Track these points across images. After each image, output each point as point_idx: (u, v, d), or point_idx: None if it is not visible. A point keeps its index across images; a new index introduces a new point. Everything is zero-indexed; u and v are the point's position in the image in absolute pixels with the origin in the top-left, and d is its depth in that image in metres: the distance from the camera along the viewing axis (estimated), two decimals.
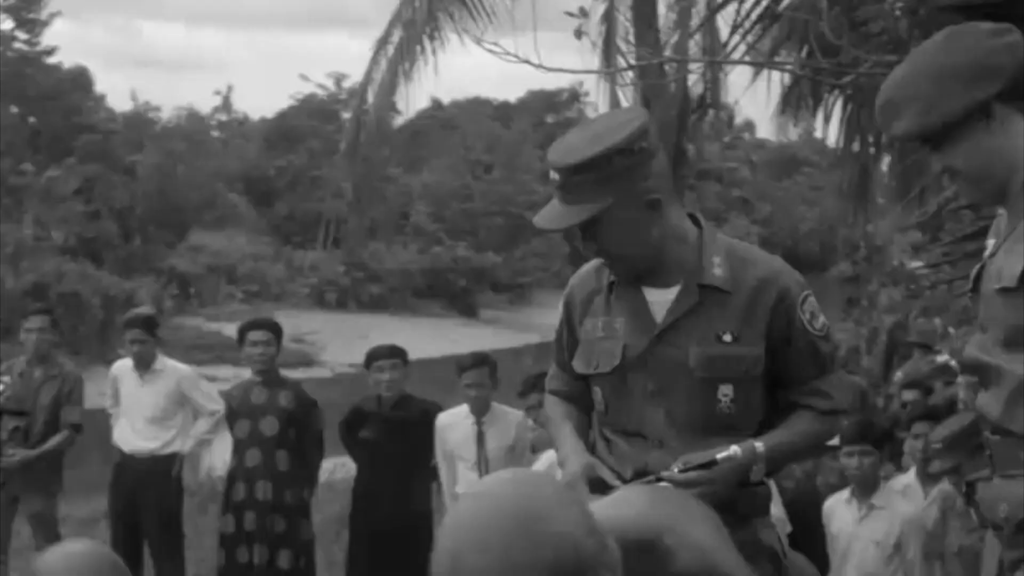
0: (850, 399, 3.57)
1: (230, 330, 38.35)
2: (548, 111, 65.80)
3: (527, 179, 54.86)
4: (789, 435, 3.44)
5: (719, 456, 3.31)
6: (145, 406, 8.20)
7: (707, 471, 3.30)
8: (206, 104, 74.02)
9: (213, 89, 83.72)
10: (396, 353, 7.63)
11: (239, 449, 7.72)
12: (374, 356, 7.67)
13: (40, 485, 8.24)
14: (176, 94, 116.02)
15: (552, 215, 3.46)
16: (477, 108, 66.52)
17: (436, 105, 60.94)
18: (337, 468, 13.59)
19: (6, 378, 8.12)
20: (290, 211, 54.49)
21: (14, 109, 51.61)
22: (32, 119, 52.80)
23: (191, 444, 8.35)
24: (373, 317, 46.59)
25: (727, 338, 3.41)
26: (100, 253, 43.27)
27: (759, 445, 3.36)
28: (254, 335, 7.77)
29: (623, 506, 2.47)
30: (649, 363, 3.46)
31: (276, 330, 7.90)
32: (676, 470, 3.32)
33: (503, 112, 67.01)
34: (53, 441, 8.19)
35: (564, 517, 1.93)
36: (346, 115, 53.48)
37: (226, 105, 67.32)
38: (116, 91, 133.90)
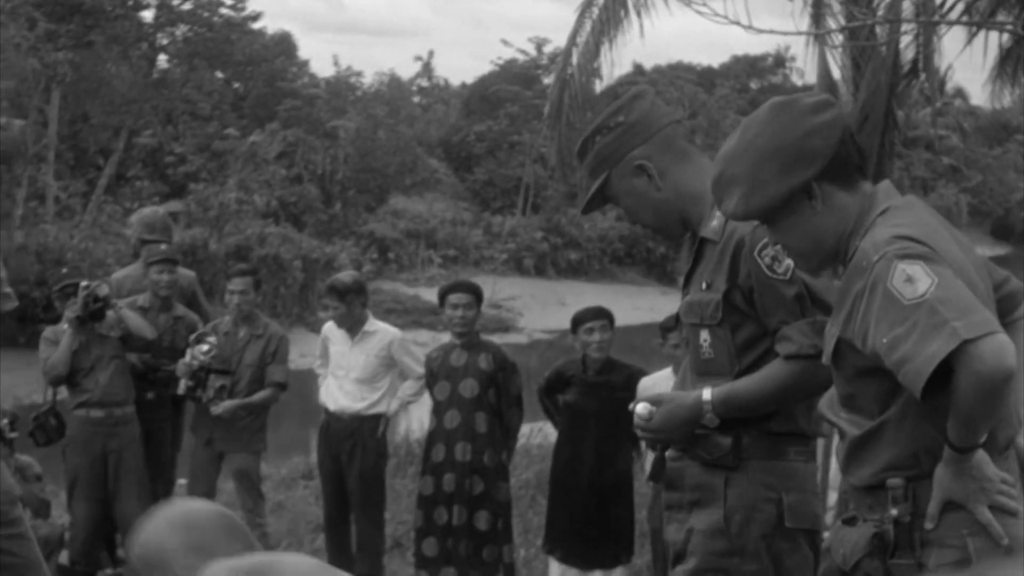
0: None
1: (428, 295, 38.96)
2: (752, 76, 64.96)
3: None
4: (748, 382, 3.60)
5: (665, 397, 3.75)
6: (354, 367, 8.22)
7: (651, 411, 3.70)
8: (407, 69, 74.76)
9: (414, 54, 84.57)
10: (604, 315, 7.51)
11: (439, 411, 7.69)
12: (582, 319, 7.57)
13: (245, 443, 8.32)
14: (378, 59, 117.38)
15: (581, 201, 4.04)
16: (679, 73, 65.90)
17: (638, 70, 60.54)
18: (534, 433, 13.56)
19: (212, 338, 8.19)
20: (489, 176, 54.67)
21: (219, 74, 52.71)
22: (237, 84, 53.83)
23: (396, 406, 8.36)
24: (571, 283, 46.62)
25: (703, 284, 3.71)
26: (301, 217, 43.96)
27: (707, 392, 3.62)
28: (455, 298, 7.71)
29: None
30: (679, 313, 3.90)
31: (477, 293, 7.82)
32: (634, 408, 3.76)
33: (706, 77, 66.34)
34: (259, 396, 8.25)
35: None
36: (547, 80, 53.62)
37: (427, 70, 67.92)
38: (319, 57, 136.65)
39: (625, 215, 4.15)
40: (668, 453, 3.83)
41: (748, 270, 3.58)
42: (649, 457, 6.61)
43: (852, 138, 3.16)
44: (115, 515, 7.84)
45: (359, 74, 59.16)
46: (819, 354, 3.34)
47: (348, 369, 8.23)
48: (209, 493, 8.40)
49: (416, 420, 13.48)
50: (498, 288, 38.46)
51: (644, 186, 3.78)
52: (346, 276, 8.50)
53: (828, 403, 3.29)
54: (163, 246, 8.41)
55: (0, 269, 4.55)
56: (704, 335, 3.71)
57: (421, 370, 8.14)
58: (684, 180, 3.77)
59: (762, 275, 3.56)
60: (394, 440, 10.54)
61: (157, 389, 8.25)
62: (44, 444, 7.86)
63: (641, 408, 3.76)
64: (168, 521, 2.80)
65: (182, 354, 8.20)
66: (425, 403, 8.40)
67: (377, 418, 8.20)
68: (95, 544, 7.94)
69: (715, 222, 3.66)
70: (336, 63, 58.76)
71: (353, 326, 8.24)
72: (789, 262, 3.50)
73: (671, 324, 6.99)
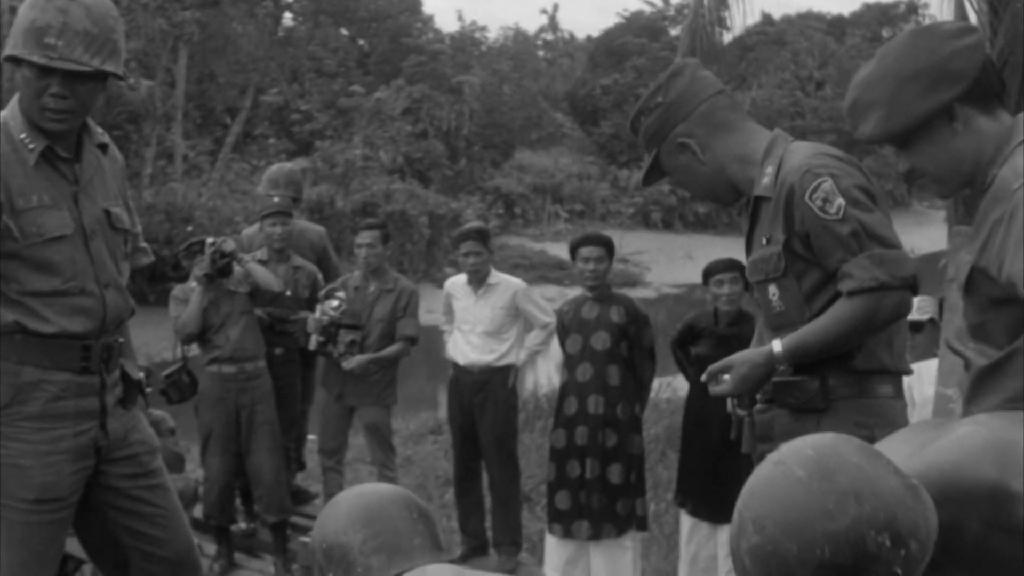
0: (884, 273, 3.55)
1: (554, 250, 38.89)
2: (883, 24, 63.82)
3: None
4: (815, 326, 3.66)
5: (736, 360, 3.81)
6: (480, 320, 8.20)
7: (726, 366, 3.82)
8: (532, 23, 74.82)
9: (539, 8, 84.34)
10: (735, 266, 7.35)
11: (570, 364, 7.60)
12: (712, 270, 7.43)
13: (375, 397, 8.31)
14: (502, 14, 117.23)
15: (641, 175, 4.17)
16: (809, 22, 65.02)
17: (767, 20, 59.84)
18: (663, 387, 13.45)
19: (341, 293, 8.19)
20: (616, 130, 54.28)
21: (344, 31, 53.00)
22: (362, 41, 54.11)
23: (525, 356, 8.32)
24: (699, 237, 46.31)
25: (764, 241, 3.81)
26: (427, 173, 44.08)
27: (776, 344, 3.72)
28: (586, 251, 7.61)
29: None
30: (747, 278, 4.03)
31: (608, 245, 7.71)
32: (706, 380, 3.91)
33: (836, 26, 65.40)
34: (390, 350, 8.24)
35: None
36: (674, 32, 53.22)
37: (552, 24, 67.78)
38: (443, 12, 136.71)
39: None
40: (756, 407, 3.93)
41: (801, 215, 3.64)
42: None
43: (993, 66, 3.11)
44: (248, 469, 7.87)
45: (484, 29, 59.34)
46: (882, 286, 3.51)
47: (474, 323, 8.21)
48: (340, 447, 8.44)
49: (544, 375, 13.46)
50: (625, 242, 38.23)
51: (689, 161, 3.95)
52: (475, 223, 8.53)
53: (956, 334, 3.34)
54: (275, 199, 8.40)
55: (136, 224, 4.57)
56: (772, 289, 3.80)
57: (546, 319, 8.15)
58: (728, 150, 3.91)
59: (815, 218, 3.61)
60: (522, 395, 10.51)
61: (285, 342, 8.27)
62: (177, 401, 7.92)
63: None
64: (349, 516, 2.84)
65: (305, 304, 8.21)
66: (551, 358, 8.35)
67: (507, 369, 8.17)
68: (228, 498, 8.00)
69: (766, 179, 3.77)
70: (460, 18, 59.09)
71: (475, 278, 8.23)
72: (840, 201, 3.58)
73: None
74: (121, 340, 4.43)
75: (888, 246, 3.58)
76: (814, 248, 3.65)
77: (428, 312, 10.16)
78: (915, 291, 3.66)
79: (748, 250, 3.95)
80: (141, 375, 4.58)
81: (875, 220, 3.61)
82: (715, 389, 3.87)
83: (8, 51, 4.07)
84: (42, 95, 4.09)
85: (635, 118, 4.05)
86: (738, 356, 3.84)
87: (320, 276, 8.44)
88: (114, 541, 4.49)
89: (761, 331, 3.99)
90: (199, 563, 4.75)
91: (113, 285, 4.34)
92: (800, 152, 3.77)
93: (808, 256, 3.67)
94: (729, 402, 4.05)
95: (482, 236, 8.29)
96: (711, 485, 7.21)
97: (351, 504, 2.88)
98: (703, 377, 3.94)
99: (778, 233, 3.72)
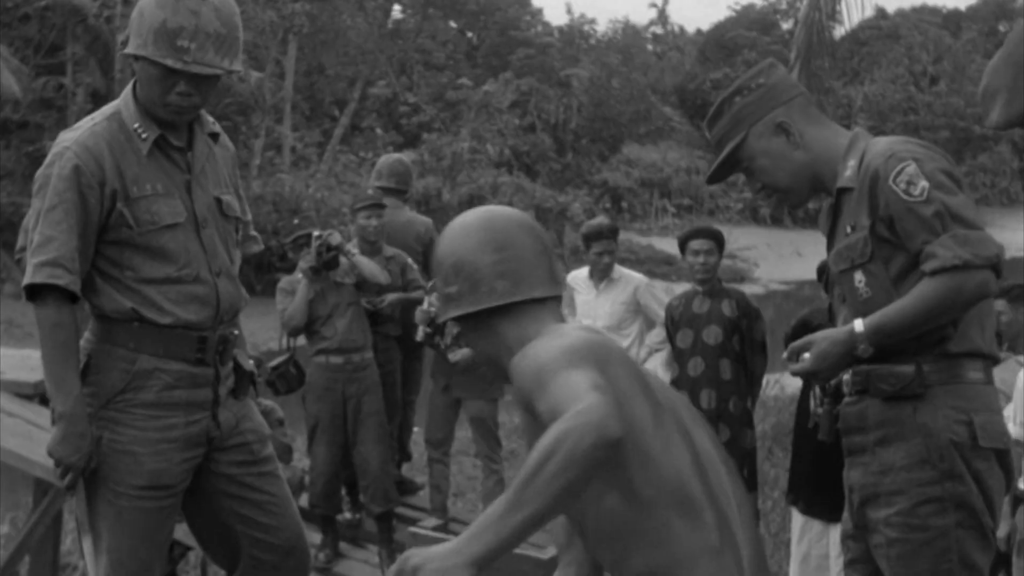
0: (968, 253, 3.51)
1: (662, 244, 38.70)
2: (1000, 19, 62.81)
3: (976, 91, 52.40)
4: (898, 306, 3.61)
5: (816, 337, 3.75)
6: (601, 315, 8.17)
7: (807, 343, 3.76)
8: (642, 16, 74.55)
9: (649, 1, 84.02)
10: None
11: (681, 359, 7.52)
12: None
13: (482, 389, 8.24)
14: (611, 7, 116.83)
15: (710, 170, 4.14)
16: (923, 17, 64.21)
17: (880, 14, 59.15)
18: (770, 384, 13.31)
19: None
20: None
21: (453, 24, 53.19)
22: (470, 34, 54.31)
23: (645, 354, 8.26)
24: (808, 233, 45.68)
25: (848, 230, 3.78)
26: (534, 166, 44.15)
27: (858, 324, 3.67)
28: (696, 244, 7.53)
29: None
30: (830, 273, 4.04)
31: (718, 239, 7.63)
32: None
33: (951, 20, 64.54)
34: None
35: None
36: (785, 26, 52.71)
37: (662, 17, 67.51)
38: (552, 5, 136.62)
39: (749, 186, 4.20)
40: (846, 399, 3.89)
41: (885, 199, 3.62)
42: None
43: None
44: (354, 460, 7.87)
45: (592, 22, 59.42)
46: (965, 265, 3.48)
47: (595, 318, 8.15)
48: (446, 439, 8.41)
49: (652, 371, 13.36)
50: (733, 238, 37.98)
51: (782, 145, 3.91)
52: (605, 220, 8.60)
53: None
54: (370, 191, 8.40)
55: (246, 212, 4.59)
56: (858, 276, 3.77)
57: (662, 312, 8.03)
58: (820, 141, 3.89)
59: (899, 201, 3.59)
60: None
61: (382, 331, 8.23)
62: (285, 392, 7.95)
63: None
64: (481, 238, 2.93)
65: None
66: (659, 355, 8.29)
67: None
68: (335, 488, 8.00)
69: (849, 171, 3.77)
70: (569, 11, 59.04)
71: (600, 274, 8.22)
72: (924, 183, 3.56)
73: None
74: (236, 332, 4.46)
75: (971, 227, 3.54)
76: (898, 231, 3.61)
77: None
78: (998, 273, 3.61)
79: (830, 244, 3.94)
80: (252, 365, 4.60)
81: (959, 202, 3.57)
82: (794, 367, 3.83)
83: (137, 50, 4.09)
84: (168, 93, 4.12)
85: (727, 99, 4.04)
86: (819, 333, 3.80)
87: (411, 262, 8.37)
88: (225, 528, 4.53)
89: (847, 316, 3.88)
90: (308, 550, 4.77)
91: (225, 273, 4.36)
92: (882, 142, 3.77)
93: (893, 240, 3.65)
94: (812, 399, 4.03)
95: (613, 234, 8.35)
96: (824, 483, 7.08)
97: (484, 225, 2.96)
98: (784, 355, 3.90)
99: (863, 219, 3.69)
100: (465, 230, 2.96)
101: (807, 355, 3.75)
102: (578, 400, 2.33)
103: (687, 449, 2.67)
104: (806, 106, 3.97)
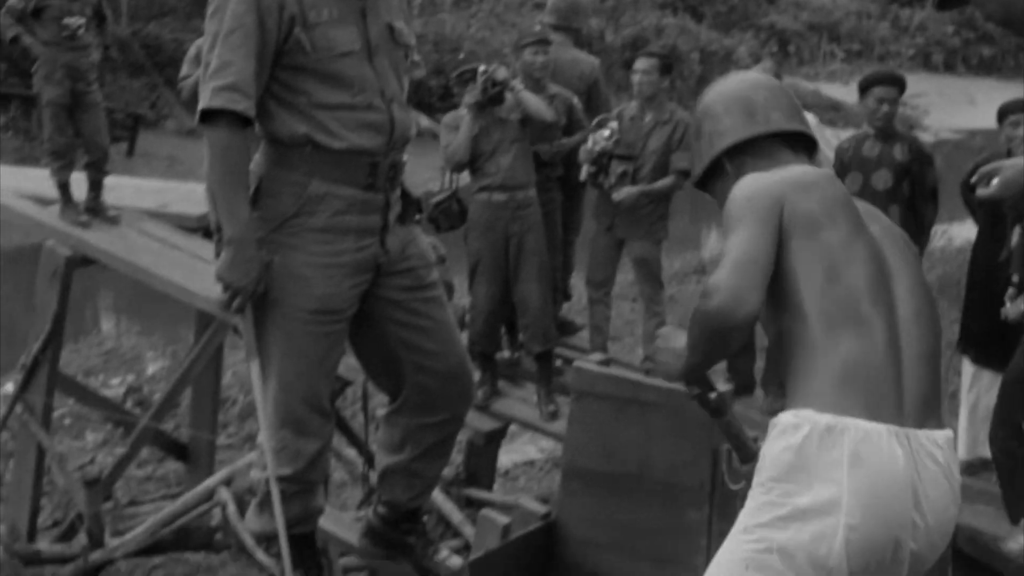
0: None
1: (829, 90, 37.89)
2: None
3: None
4: None
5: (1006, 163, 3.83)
6: None
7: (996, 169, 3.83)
8: None
9: None
10: None
11: None
12: (1008, 110, 7.10)
13: (646, 230, 8.19)
14: None
15: None
16: None
17: None
18: (938, 235, 13.03)
19: (614, 123, 8.04)
20: None
21: None
22: None
23: None
24: (982, 81, 44.44)
25: None
26: (699, 7, 43.31)
27: None
28: (880, 91, 7.34)
29: None
30: None
31: (902, 86, 7.42)
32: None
33: None
34: (662, 182, 8.05)
35: None
36: None
37: None
38: None
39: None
40: None
41: None
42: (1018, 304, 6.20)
43: None
44: (515, 298, 7.86)
45: None
46: None
47: None
48: (608, 279, 8.38)
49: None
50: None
51: None
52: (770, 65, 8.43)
53: None
54: (536, 27, 8.29)
55: (411, 36, 4.55)
56: None
57: (831, 154, 7.82)
58: None
59: None
60: None
61: (544, 170, 8.17)
62: (447, 229, 7.96)
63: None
64: (750, 83, 3.51)
65: (561, 132, 8.11)
66: None
67: None
68: (495, 326, 8.03)
69: None
70: None
71: None
72: None
73: None
74: (406, 159, 4.47)
75: None
76: None
77: None
78: None
79: None
80: (420, 193, 4.63)
81: None
82: (982, 192, 3.86)
83: None
84: None
85: None
86: (1008, 160, 3.74)
87: (576, 102, 8.27)
88: (389, 353, 4.58)
89: None
90: (472, 377, 4.81)
91: (397, 100, 4.36)
92: None
93: None
94: (1007, 304, 3.99)
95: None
96: (997, 332, 6.93)
97: (747, 77, 3.59)
98: (973, 178, 3.91)
99: None
100: (729, 81, 3.52)
101: (995, 181, 3.64)
102: (724, 270, 2.96)
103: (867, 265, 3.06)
104: None
